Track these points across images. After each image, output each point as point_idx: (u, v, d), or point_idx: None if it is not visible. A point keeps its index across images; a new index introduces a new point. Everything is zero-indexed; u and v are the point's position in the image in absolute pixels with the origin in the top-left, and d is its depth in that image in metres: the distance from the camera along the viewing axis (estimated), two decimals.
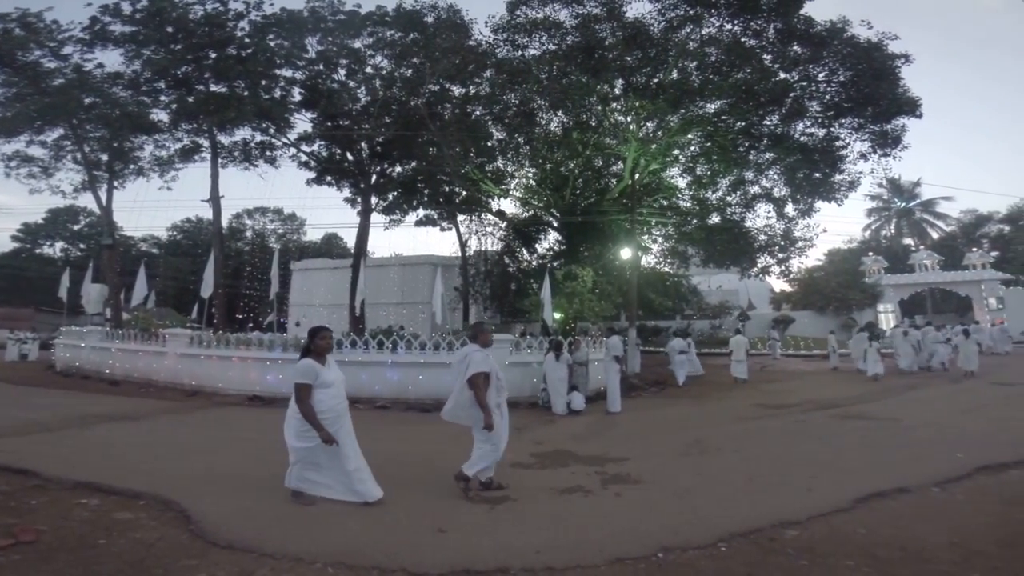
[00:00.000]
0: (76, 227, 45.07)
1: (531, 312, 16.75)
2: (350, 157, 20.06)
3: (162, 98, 18.30)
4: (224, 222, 24.45)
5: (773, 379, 15.50)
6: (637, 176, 16.23)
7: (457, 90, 18.25)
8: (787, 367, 19.58)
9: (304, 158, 20.59)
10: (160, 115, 18.86)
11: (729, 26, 14.47)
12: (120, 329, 15.35)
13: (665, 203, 19.24)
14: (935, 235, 42.71)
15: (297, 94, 19.15)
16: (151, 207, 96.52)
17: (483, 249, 22.88)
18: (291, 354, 11.66)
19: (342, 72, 18.64)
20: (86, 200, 24.77)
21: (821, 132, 16.04)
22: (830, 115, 15.47)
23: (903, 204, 43.76)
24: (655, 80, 14.87)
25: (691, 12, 14.10)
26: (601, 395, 11.00)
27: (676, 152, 16.91)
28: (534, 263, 21.01)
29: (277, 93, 18.74)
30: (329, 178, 20.81)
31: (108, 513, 4.15)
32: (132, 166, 20.02)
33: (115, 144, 18.75)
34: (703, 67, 14.63)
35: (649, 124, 15.39)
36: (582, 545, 3.61)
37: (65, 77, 17.16)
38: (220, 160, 19.52)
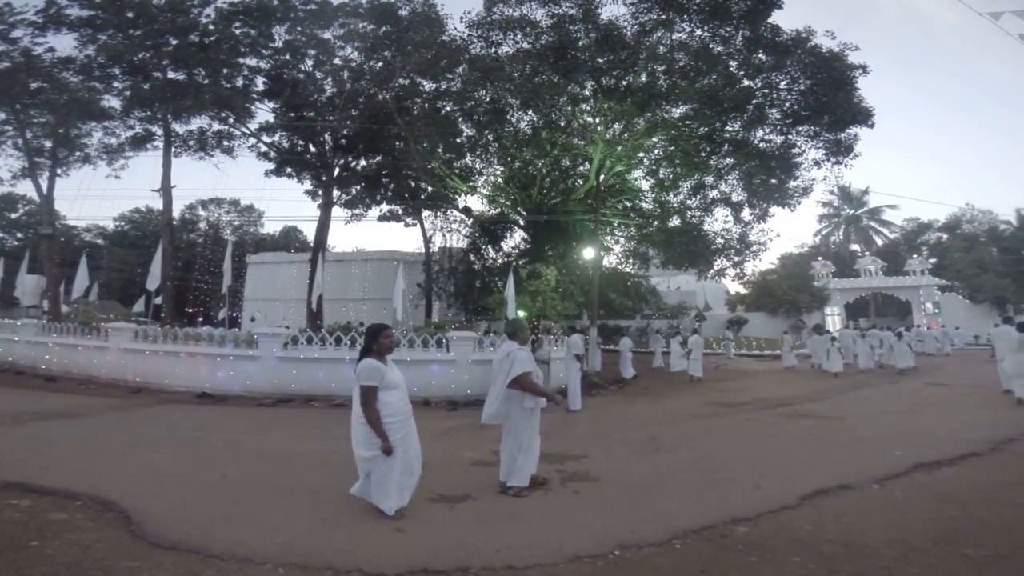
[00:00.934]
0: (14, 216, 42.32)
1: (495, 310, 16.73)
2: (312, 149, 19.53)
3: (115, 84, 17.36)
4: (176, 213, 23.43)
5: (726, 378, 16.01)
6: (602, 177, 16.44)
7: (428, 85, 18.03)
8: (740, 366, 20.27)
9: (264, 149, 19.93)
10: (112, 102, 17.91)
11: (699, 32, 14.80)
12: (58, 323, 14.47)
13: (628, 205, 19.58)
14: (880, 242, 45.08)
15: (260, 83, 18.50)
16: (97, 196, 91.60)
17: (448, 246, 22.72)
18: (243, 350, 11.33)
19: (309, 63, 18.12)
20: (26, 188, 23.24)
21: (779, 139, 16.62)
22: (788, 122, 16.03)
23: (852, 211, 45.99)
24: (624, 83, 15.08)
25: (663, 16, 14.36)
26: (563, 393, 11.09)
27: (641, 155, 17.21)
28: (499, 261, 20.99)
29: (239, 82, 18.05)
30: (289, 170, 20.21)
31: (42, 514, 3.94)
32: (78, 153, 18.91)
33: (61, 130, 17.67)
34: (671, 72, 14.92)
35: (616, 126, 15.61)
36: (542, 543, 3.62)
37: (12, 61, 16.05)
38: (174, 149, 18.70)
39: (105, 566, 3.15)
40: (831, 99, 14.74)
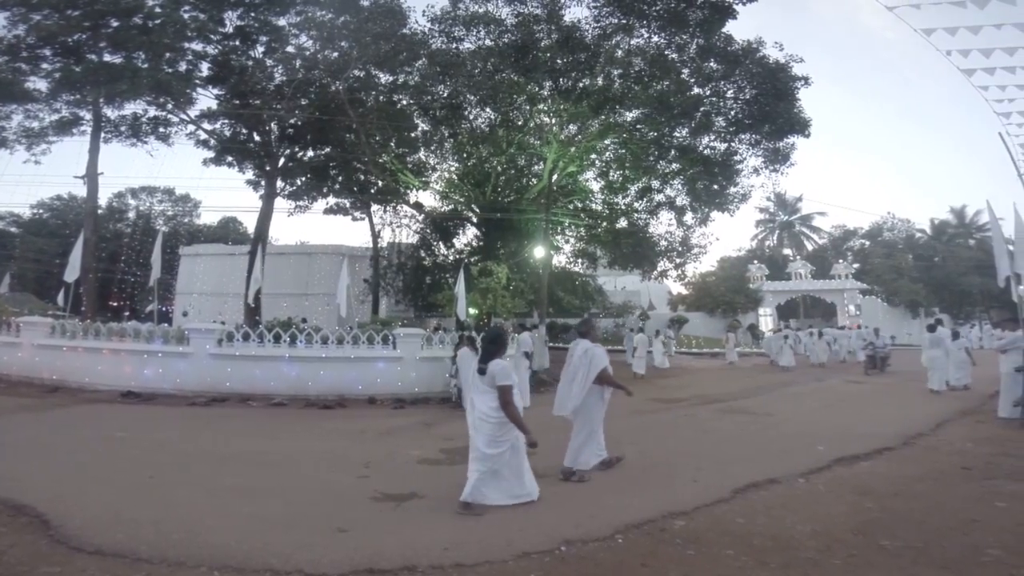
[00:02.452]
0: None
1: (445, 307, 16.62)
2: (257, 138, 18.65)
3: (44, 66, 15.90)
4: (102, 201, 21.77)
5: (667, 375, 16.61)
6: (555, 177, 16.66)
7: (385, 77, 17.60)
8: (680, 363, 21.10)
9: (204, 136, 18.84)
10: (38, 83, 16.38)
11: (656, 38, 15.24)
12: None
13: (579, 205, 19.91)
14: (810, 247, 47.99)
15: (205, 69, 17.47)
16: (13, 182, 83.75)
17: (397, 241, 22.33)
18: (173, 346, 10.75)
19: (261, 49, 17.27)
20: None
21: (723, 146, 17.38)
22: (732, 130, 16.77)
23: (786, 217, 48.67)
24: (581, 84, 15.33)
25: (624, 21, 14.70)
26: None
27: (593, 156, 17.57)
28: (451, 258, 20.85)
29: (182, 67, 16.96)
30: (230, 158, 19.22)
31: None
32: None
33: None
34: (626, 76, 15.29)
35: (571, 127, 15.86)
36: (489, 540, 3.64)
37: None
38: (103, 134, 17.38)
39: (21, 572, 2.96)
40: (773, 109, 15.49)
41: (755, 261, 40.87)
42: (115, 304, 30.01)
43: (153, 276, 13.94)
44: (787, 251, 47.64)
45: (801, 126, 16.10)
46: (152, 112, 18.09)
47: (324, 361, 10.63)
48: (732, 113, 16.48)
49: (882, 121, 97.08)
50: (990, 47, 7.14)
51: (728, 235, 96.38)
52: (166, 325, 16.22)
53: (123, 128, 18.07)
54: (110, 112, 17.44)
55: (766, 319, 36.00)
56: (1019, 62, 7.35)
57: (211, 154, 19.18)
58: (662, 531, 3.80)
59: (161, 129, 18.52)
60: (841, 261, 38.99)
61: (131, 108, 17.62)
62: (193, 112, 18.28)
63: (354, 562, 3.26)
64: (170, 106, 17.81)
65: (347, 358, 10.74)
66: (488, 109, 16.62)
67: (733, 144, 17.25)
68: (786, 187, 60.45)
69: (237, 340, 10.72)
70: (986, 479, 4.95)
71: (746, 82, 15.73)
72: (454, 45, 16.02)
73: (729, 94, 16.27)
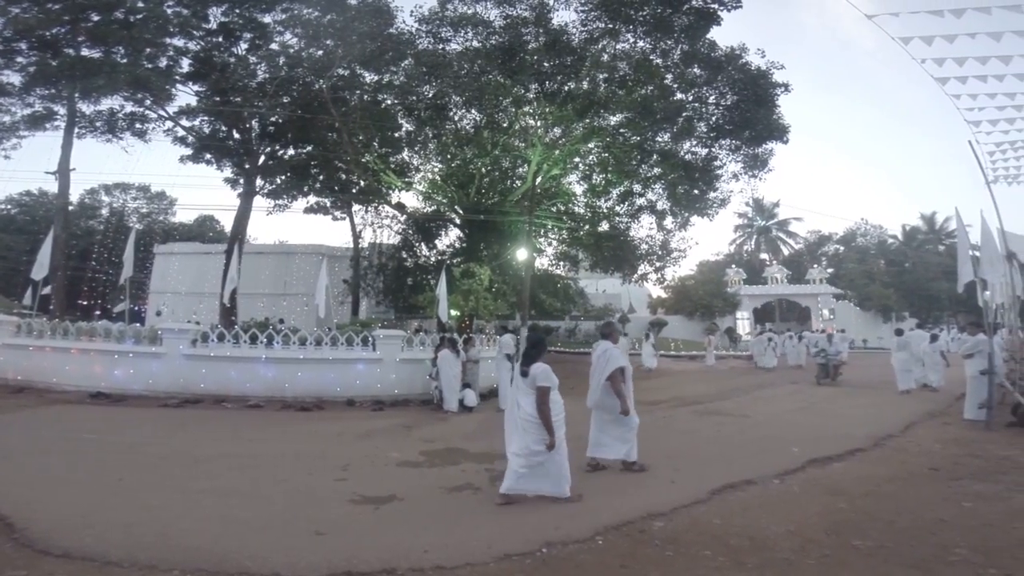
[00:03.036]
0: None
1: (426, 308, 16.51)
2: (236, 135, 18.33)
3: (18, 59, 15.40)
4: (74, 197, 21.14)
5: (649, 377, 16.79)
6: (539, 180, 16.70)
7: (370, 77, 17.45)
8: (660, 366, 21.31)
9: (182, 133, 18.45)
10: (11, 77, 15.87)
11: (641, 43, 15.40)
12: None
13: (562, 208, 19.99)
14: (786, 251, 48.94)
15: (186, 65, 17.11)
16: None
17: (378, 242, 22.13)
18: (146, 346, 10.50)
19: (244, 46, 16.98)
20: None
21: (704, 151, 17.65)
22: (713, 136, 17.02)
23: (763, 222, 49.59)
24: (567, 88, 15.41)
25: (611, 26, 14.82)
26: (493, 392, 11.16)
27: (576, 160, 17.67)
28: (432, 259, 20.72)
29: (163, 63, 16.59)
30: (209, 156, 18.85)
31: None
32: None
33: None
34: (611, 80, 15.43)
35: (556, 130, 15.91)
36: (471, 543, 3.62)
37: None
38: (77, 130, 16.91)
39: None
40: (753, 115, 15.75)
41: (733, 265, 41.52)
42: (85, 303, 29.14)
43: (124, 274, 13.56)
44: (764, 256, 48.52)
45: (780, 132, 16.40)
46: (129, 108, 17.67)
47: (302, 362, 10.48)
48: (713, 119, 16.72)
49: (859, 128, 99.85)
50: (963, 56, 7.33)
51: (707, 239, 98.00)
52: (138, 325, 15.85)
53: (98, 124, 17.63)
54: (85, 107, 17.02)
55: (743, 322, 36.59)
56: (991, 71, 7.53)
57: (189, 151, 18.83)
58: (641, 532, 3.83)
59: (138, 125, 18.09)
60: (816, 266, 39.84)
61: (108, 103, 17.21)
62: (172, 108, 17.93)
63: (332, 565, 3.22)
64: (148, 102, 17.41)
65: (325, 359, 10.61)
66: (473, 110, 16.61)
67: (713, 149, 17.51)
68: (764, 192, 61.58)
69: (212, 340, 10.52)
70: (953, 479, 5.09)
71: (728, 88, 15.98)
72: (441, 46, 15.99)
73: (711, 100, 16.52)
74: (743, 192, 19.15)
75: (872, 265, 40.15)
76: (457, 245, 20.92)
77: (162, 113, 17.95)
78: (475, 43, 15.65)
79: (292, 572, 3.13)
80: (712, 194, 18.61)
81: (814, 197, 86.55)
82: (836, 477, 5.33)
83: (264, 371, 10.38)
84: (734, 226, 50.61)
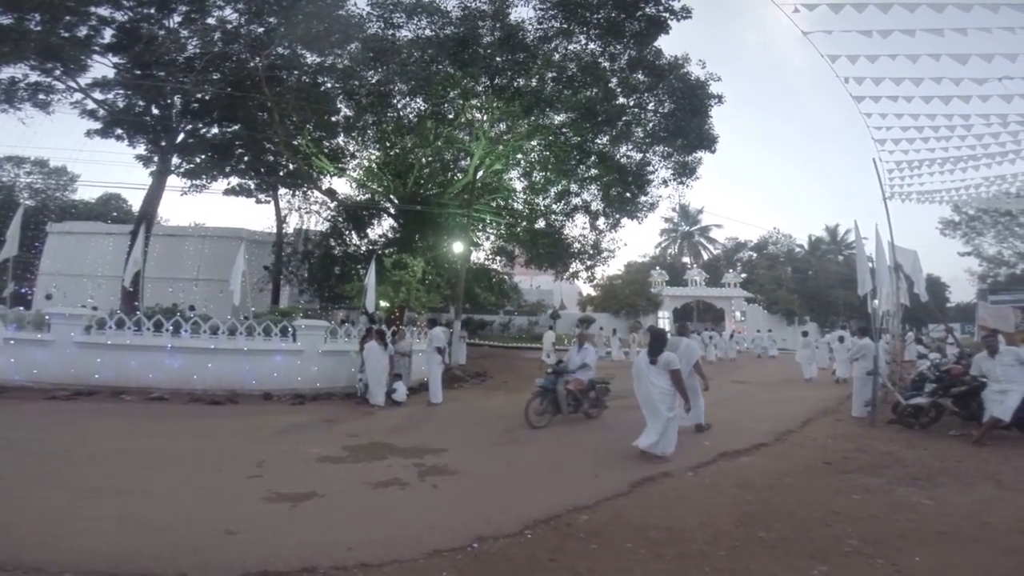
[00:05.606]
0: None
1: (354, 298, 15.96)
2: (155, 111, 16.77)
3: None
4: None
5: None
6: (480, 174, 16.59)
7: (311, 58, 16.50)
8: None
9: (92, 106, 16.59)
10: None
11: (592, 46, 15.59)
12: None
13: (501, 203, 19.99)
14: (706, 256, 51.87)
15: (108, 35, 15.37)
16: None
17: (304, 228, 21.09)
18: (30, 333, 9.50)
19: (177, 19, 15.50)
20: None
21: (638, 156, 18.20)
22: (648, 142, 17.57)
23: (687, 228, 52.25)
24: (516, 84, 15.37)
25: (565, 26, 14.89)
26: (424, 386, 10.99)
27: (519, 156, 17.70)
28: (363, 248, 20.03)
29: (82, 32, 14.81)
30: (120, 131, 17.11)
31: None
32: None
33: None
34: (560, 80, 15.55)
35: (501, 125, 15.85)
36: (398, 539, 3.55)
37: None
38: None
39: None
40: (687, 124, 16.38)
41: (657, 267, 43.42)
42: None
43: (6, 252, 12.03)
44: (686, 259, 51.14)
45: (709, 142, 17.21)
46: (34, 77, 15.64)
47: (213, 353, 9.84)
48: (651, 125, 17.27)
49: (782, 143, 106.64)
50: (881, 76, 7.81)
51: (635, 241, 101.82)
52: (21, 308, 14.17)
53: None
54: None
55: (664, 321, 38.43)
56: (903, 92, 7.88)
57: (98, 125, 16.96)
58: (568, 526, 3.92)
59: (41, 96, 16.02)
60: (731, 271, 42.57)
61: (9, 72, 15.12)
62: (85, 80, 16.07)
63: (246, 565, 3.05)
64: (58, 72, 15.54)
65: (240, 350, 10.01)
66: (419, 100, 16.23)
67: (648, 155, 18.12)
68: (690, 199, 64.82)
69: (109, 327, 9.67)
70: (843, 473, 5.57)
71: (667, 96, 16.53)
72: (392, 31, 15.46)
73: (650, 106, 17.05)
74: (671, 198, 20.06)
75: (780, 272, 43.43)
76: (390, 235, 20.34)
77: (72, 84, 16.06)
78: (428, 32, 15.29)
79: (202, 573, 2.94)
80: (643, 198, 19.27)
81: (735, 205, 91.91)
82: (743, 470, 5.70)
83: (170, 361, 9.65)
84: (660, 230, 52.98)
